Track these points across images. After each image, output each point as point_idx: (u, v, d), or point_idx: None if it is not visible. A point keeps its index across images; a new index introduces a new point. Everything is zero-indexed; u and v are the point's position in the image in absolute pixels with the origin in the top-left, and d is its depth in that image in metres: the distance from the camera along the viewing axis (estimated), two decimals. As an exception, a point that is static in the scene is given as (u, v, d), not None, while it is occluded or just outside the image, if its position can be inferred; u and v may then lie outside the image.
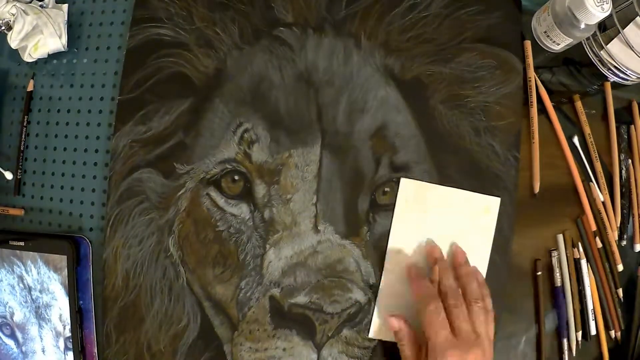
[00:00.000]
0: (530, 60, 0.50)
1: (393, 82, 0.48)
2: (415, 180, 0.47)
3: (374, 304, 0.46)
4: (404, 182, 0.47)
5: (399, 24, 0.48)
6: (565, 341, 0.49)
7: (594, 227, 0.49)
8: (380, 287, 0.46)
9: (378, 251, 0.46)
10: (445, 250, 0.47)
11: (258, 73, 0.47)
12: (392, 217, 0.47)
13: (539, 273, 0.49)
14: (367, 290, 0.46)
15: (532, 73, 0.50)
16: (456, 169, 0.47)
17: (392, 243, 0.47)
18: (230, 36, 0.48)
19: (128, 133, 0.47)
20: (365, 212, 0.47)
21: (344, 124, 0.47)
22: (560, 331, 0.49)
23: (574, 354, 0.49)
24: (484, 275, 0.46)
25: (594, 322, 0.49)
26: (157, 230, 0.46)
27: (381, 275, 0.46)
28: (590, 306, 0.49)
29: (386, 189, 0.47)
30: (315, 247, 0.46)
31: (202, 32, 0.48)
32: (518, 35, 0.50)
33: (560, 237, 0.50)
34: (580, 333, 0.48)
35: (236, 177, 0.46)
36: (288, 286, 0.45)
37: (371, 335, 0.46)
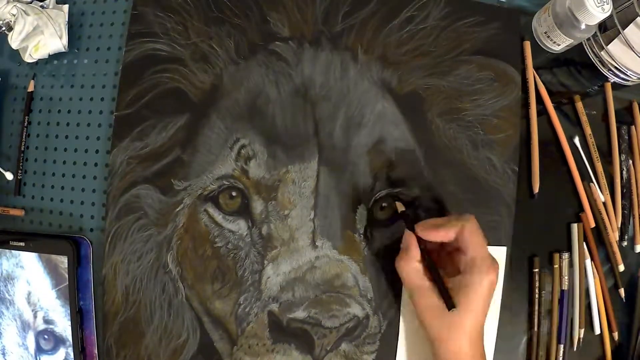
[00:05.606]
0: (529, 60, 0.50)
1: (390, 96, 0.47)
2: None
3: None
4: None
5: (396, 37, 0.48)
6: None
7: (593, 225, 0.50)
8: (398, 341, 0.47)
9: (376, 266, 0.47)
10: None
11: (254, 88, 0.47)
12: None
13: (536, 270, 0.49)
14: (365, 304, 0.46)
15: (531, 73, 0.50)
16: (454, 183, 0.47)
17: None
18: (226, 51, 0.48)
19: (125, 149, 0.47)
20: (363, 228, 0.47)
21: (341, 139, 0.47)
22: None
23: (575, 349, 0.49)
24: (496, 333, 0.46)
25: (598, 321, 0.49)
26: (155, 247, 0.47)
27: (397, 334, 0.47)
28: (595, 306, 0.49)
29: (384, 205, 0.47)
30: (313, 263, 0.46)
31: (198, 47, 0.48)
32: (516, 46, 0.49)
33: (575, 227, 0.50)
34: (582, 330, 0.49)
35: (234, 194, 0.46)
36: (286, 301, 0.46)
37: None
